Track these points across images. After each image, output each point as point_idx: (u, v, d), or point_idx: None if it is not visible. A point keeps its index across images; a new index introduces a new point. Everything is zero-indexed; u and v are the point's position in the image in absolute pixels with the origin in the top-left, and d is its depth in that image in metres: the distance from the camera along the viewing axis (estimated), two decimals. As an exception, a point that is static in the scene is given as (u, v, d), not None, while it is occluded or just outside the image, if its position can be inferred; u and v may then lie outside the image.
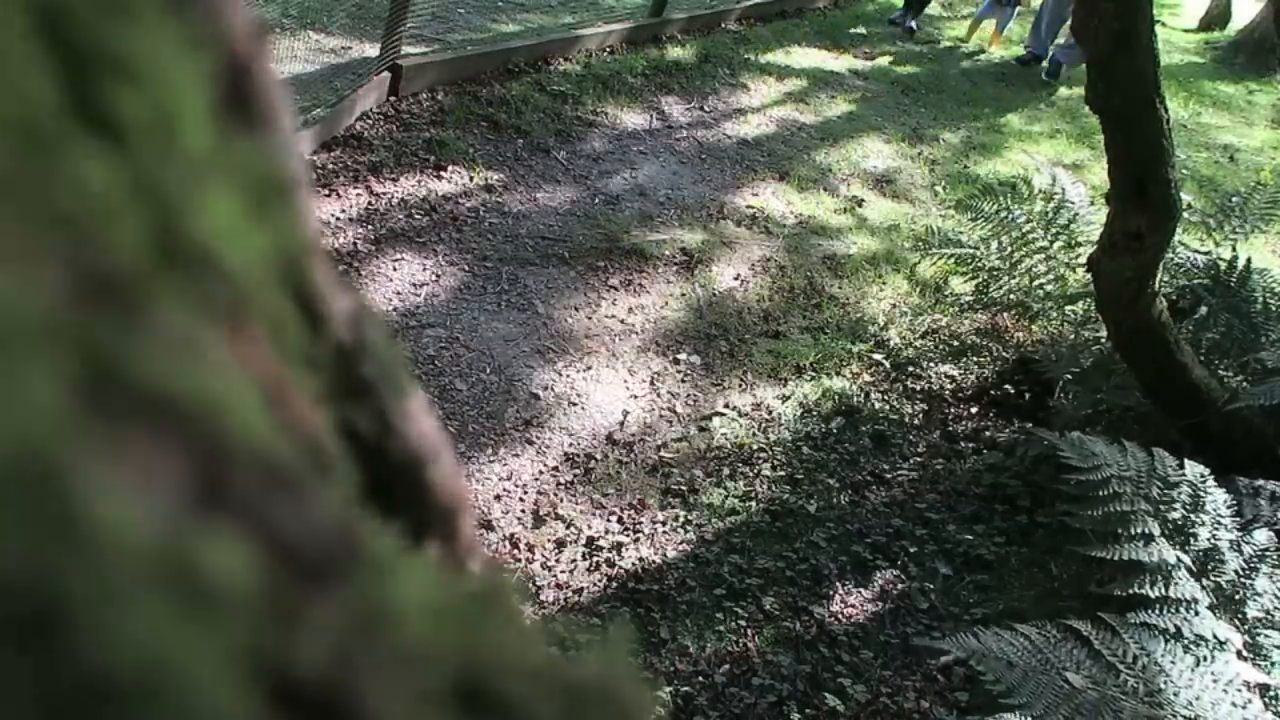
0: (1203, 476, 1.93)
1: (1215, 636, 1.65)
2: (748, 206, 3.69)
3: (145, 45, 0.14)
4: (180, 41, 0.15)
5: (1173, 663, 1.58)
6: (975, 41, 6.22)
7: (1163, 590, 1.72)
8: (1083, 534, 1.93)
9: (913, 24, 6.19)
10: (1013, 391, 2.87)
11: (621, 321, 2.93)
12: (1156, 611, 1.68)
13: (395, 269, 2.85)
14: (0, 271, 0.11)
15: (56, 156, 0.13)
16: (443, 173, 3.30)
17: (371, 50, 3.57)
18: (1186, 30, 8.26)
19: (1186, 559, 1.79)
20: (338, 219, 2.95)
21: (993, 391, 2.90)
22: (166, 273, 0.14)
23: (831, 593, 2.22)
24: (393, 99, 3.52)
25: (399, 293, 2.77)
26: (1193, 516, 1.88)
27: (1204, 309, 2.51)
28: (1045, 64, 5.86)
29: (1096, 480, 1.92)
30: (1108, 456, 1.96)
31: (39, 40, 0.13)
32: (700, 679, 1.98)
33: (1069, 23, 5.63)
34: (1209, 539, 1.85)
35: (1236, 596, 1.78)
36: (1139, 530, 1.83)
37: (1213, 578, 1.79)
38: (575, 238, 3.22)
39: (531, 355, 2.71)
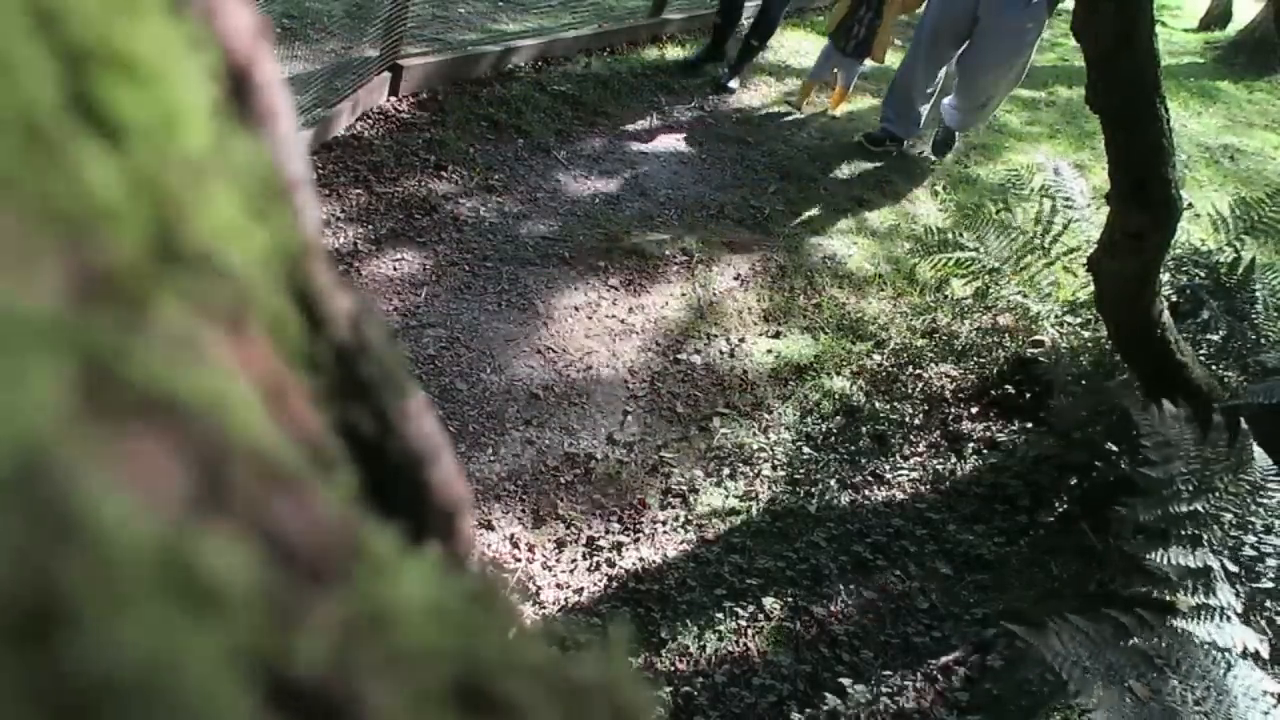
0: (1267, 473, 1.88)
1: (1245, 645, 1.63)
2: (748, 206, 3.69)
3: (146, 45, 0.14)
4: (181, 41, 0.15)
5: (1207, 670, 1.55)
6: (807, 108, 4.56)
7: (1202, 598, 1.68)
8: (1125, 523, 1.88)
9: (733, 83, 4.57)
10: (1013, 391, 2.87)
11: (621, 321, 2.93)
12: (1191, 619, 1.65)
13: (395, 269, 2.85)
14: (0, 271, 0.11)
15: (56, 156, 0.13)
16: (443, 173, 3.30)
17: (371, 50, 3.56)
18: (1186, 30, 8.27)
19: (1229, 565, 1.76)
20: (338, 219, 2.95)
21: (993, 391, 2.90)
22: (166, 273, 0.14)
23: (832, 593, 2.22)
24: (393, 99, 3.52)
25: (399, 293, 2.77)
26: (1246, 520, 1.83)
27: (1205, 312, 2.51)
28: (910, 141, 4.33)
29: (1163, 478, 1.86)
30: (1181, 447, 1.90)
31: (39, 40, 0.13)
32: (700, 679, 1.98)
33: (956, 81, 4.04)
34: (1254, 545, 1.81)
35: (1268, 604, 1.76)
36: (1189, 532, 1.78)
37: (1249, 584, 1.76)
38: (575, 238, 3.22)
39: (531, 355, 2.71)
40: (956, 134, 4.35)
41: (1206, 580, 1.71)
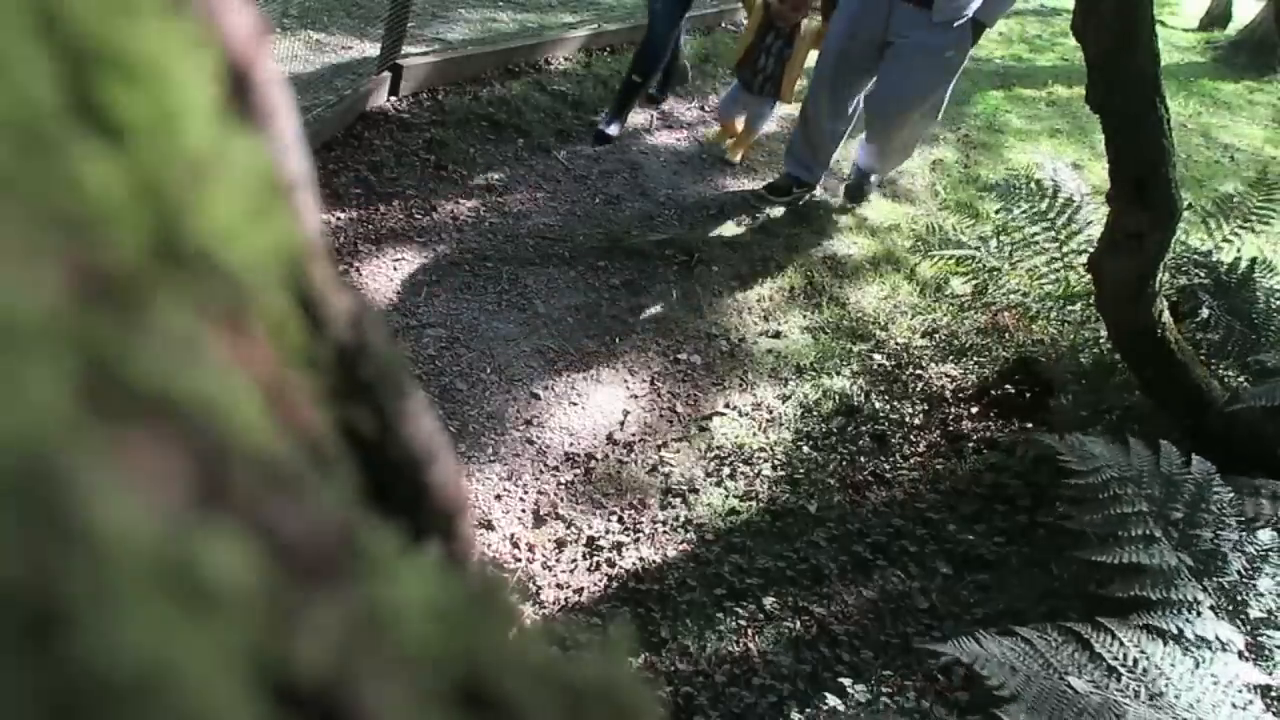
0: (1208, 475, 1.91)
1: (1217, 638, 1.65)
2: (748, 206, 3.69)
3: (146, 45, 0.14)
4: (181, 41, 0.15)
5: (1173, 665, 1.57)
6: (727, 148, 3.90)
7: (1164, 593, 1.71)
8: (1083, 536, 1.92)
9: (613, 129, 3.77)
10: (1013, 391, 2.87)
11: (622, 321, 2.93)
12: (1158, 614, 1.67)
13: (395, 269, 2.85)
14: (0, 271, 0.11)
15: (56, 156, 0.13)
16: (443, 173, 3.30)
17: (371, 50, 3.56)
18: (1186, 30, 8.27)
19: (1188, 560, 1.78)
20: (338, 219, 2.95)
21: (993, 391, 2.90)
22: (166, 273, 0.14)
23: (832, 592, 2.22)
24: (393, 99, 3.52)
25: (399, 293, 2.77)
26: (1196, 516, 1.86)
27: (1205, 311, 2.51)
28: (845, 184, 3.85)
29: (1096, 483, 1.90)
30: (1108, 458, 1.94)
31: (39, 40, 0.13)
32: (700, 679, 1.98)
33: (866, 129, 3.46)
34: (1211, 539, 1.84)
35: (1239, 597, 1.77)
36: (1139, 532, 1.81)
37: (1215, 579, 1.78)
38: (576, 237, 3.22)
39: (531, 355, 2.70)
40: (872, 179, 3.81)
41: (1167, 577, 1.72)
